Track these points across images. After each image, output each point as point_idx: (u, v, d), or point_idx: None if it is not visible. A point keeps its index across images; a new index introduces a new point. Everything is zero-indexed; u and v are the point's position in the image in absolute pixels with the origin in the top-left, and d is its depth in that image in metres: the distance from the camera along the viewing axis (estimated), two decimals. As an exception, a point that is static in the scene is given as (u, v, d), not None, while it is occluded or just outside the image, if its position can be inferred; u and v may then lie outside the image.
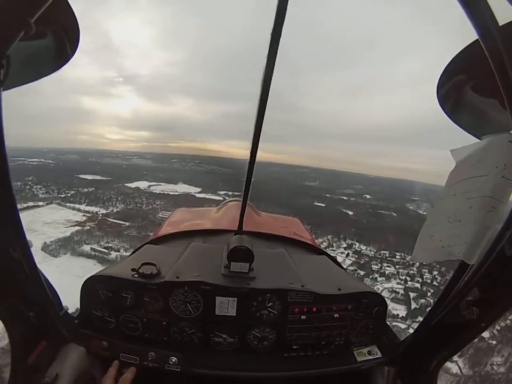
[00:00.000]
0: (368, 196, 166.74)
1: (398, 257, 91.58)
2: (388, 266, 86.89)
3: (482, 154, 1.29)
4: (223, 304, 2.13)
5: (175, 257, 2.53)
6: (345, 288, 2.23)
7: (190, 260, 2.49)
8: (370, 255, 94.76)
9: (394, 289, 72.67)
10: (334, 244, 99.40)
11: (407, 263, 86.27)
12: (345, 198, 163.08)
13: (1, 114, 1.08)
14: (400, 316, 60.63)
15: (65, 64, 1.47)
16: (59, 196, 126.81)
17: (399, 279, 79.24)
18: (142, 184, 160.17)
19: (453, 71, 1.42)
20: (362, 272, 79.85)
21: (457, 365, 44.77)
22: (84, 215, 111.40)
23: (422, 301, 66.43)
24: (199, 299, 2.12)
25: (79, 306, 2.24)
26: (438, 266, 73.20)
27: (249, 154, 1.84)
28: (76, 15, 1.28)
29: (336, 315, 2.19)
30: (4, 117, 1.09)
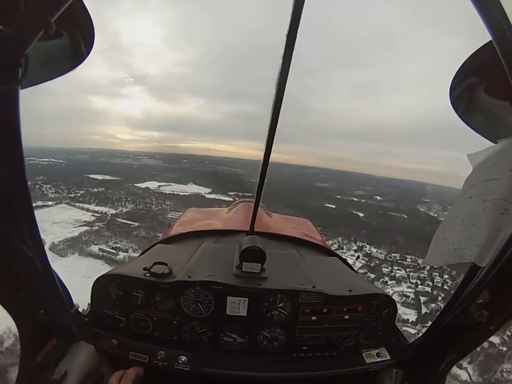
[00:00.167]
0: (378, 197, 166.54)
1: (408, 260, 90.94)
2: (398, 269, 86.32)
3: (497, 157, 1.29)
4: (234, 304, 2.13)
5: (186, 257, 2.51)
6: (356, 290, 2.22)
7: (202, 260, 2.47)
8: (380, 257, 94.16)
9: (404, 293, 71.78)
10: (344, 246, 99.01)
11: (417, 266, 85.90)
12: (355, 199, 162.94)
13: (19, 113, 1.12)
14: (410, 320, 59.75)
15: (80, 63, 1.48)
16: (68, 195, 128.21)
17: (410, 282, 78.53)
18: (152, 185, 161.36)
19: (466, 73, 1.41)
20: (372, 275, 79.09)
21: (467, 371, 44.22)
22: (93, 215, 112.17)
23: (433, 305, 65.53)
24: (210, 299, 2.12)
25: (88, 305, 2.24)
26: (448, 269, 72.69)
27: (263, 155, 1.84)
28: (91, 15, 1.31)
29: (346, 316, 2.18)
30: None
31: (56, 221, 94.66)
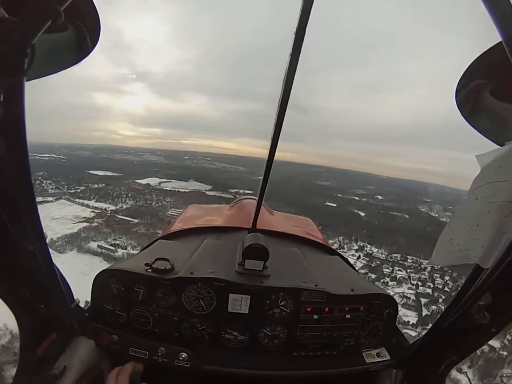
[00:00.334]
0: (380, 197, 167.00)
1: (409, 260, 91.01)
2: (399, 270, 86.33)
3: (505, 159, 1.30)
4: (236, 301, 2.12)
5: (188, 253, 2.50)
6: (358, 289, 2.21)
7: (204, 256, 2.46)
8: (381, 258, 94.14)
9: (405, 294, 71.73)
10: (345, 246, 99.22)
11: (418, 267, 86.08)
12: (357, 198, 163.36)
13: (24, 104, 1.12)
14: (411, 322, 59.50)
15: (85, 57, 1.48)
16: (69, 191, 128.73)
17: (411, 284, 78.41)
18: (153, 181, 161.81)
19: (473, 74, 1.40)
20: (373, 276, 79.12)
21: (467, 376, 44.03)
22: (93, 211, 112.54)
23: (434, 307, 65.37)
24: (212, 295, 2.11)
25: (87, 302, 2.23)
26: (449, 271, 72.11)
27: (267, 152, 1.89)
28: (98, 9, 1.31)
29: (347, 316, 2.18)
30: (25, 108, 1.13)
31: (55, 217, 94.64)
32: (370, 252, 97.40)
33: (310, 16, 1.15)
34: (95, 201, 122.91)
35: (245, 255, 2.20)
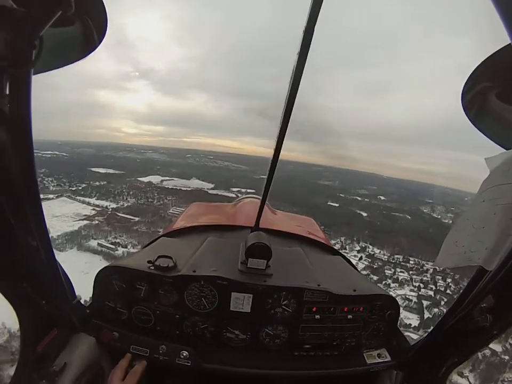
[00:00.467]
0: (382, 197, 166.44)
1: (411, 262, 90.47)
2: (401, 271, 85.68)
3: None
4: (239, 300, 2.13)
5: (191, 251, 2.52)
6: (360, 290, 2.22)
7: (207, 255, 2.46)
8: (383, 259, 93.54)
9: (407, 296, 71.27)
10: (347, 247, 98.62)
11: (420, 269, 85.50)
12: (359, 198, 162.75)
13: (31, 96, 1.10)
14: (412, 325, 58.97)
15: (92, 51, 1.48)
16: (70, 188, 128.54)
17: (413, 285, 77.89)
18: (155, 179, 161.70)
19: (480, 77, 1.39)
20: (375, 277, 78.50)
21: (468, 380, 43.84)
22: (93, 209, 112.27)
23: (435, 310, 64.83)
24: (214, 294, 2.12)
25: (86, 301, 2.24)
26: (452, 273, 72.70)
27: (272, 151, 1.90)
28: (105, 4, 1.31)
29: (349, 316, 2.19)
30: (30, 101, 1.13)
31: (56, 214, 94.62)
32: (372, 252, 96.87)
33: (321, 15, 1.14)
34: (96, 199, 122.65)
35: (248, 253, 2.18)
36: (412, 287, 76.63)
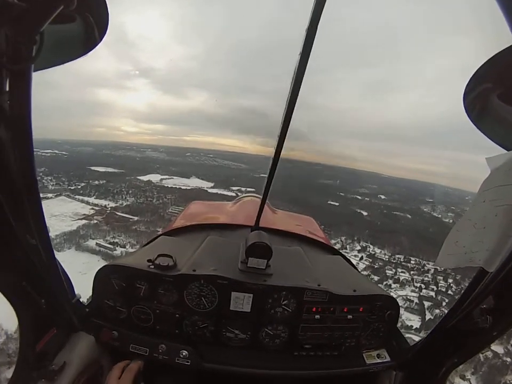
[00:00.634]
0: (382, 196, 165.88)
1: (412, 262, 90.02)
2: (402, 272, 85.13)
3: None
4: (239, 299, 2.14)
5: (191, 250, 2.54)
6: (360, 290, 2.24)
7: (207, 254, 2.48)
8: (384, 259, 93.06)
9: (408, 297, 70.86)
10: (348, 246, 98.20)
11: (421, 269, 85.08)
12: (359, 197, 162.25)
13: (31, 94, 1.10)
14: (414, 327, 58.39)
15: (92, 49, 1.47)
16: (69, 187, 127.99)
17: (414, 286, 77.46)
18: (154, 178, 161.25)
19: (482, 78, 1.38)
20: (376, 278, 78.10)
21: (470, 382, 43.77)
22: (92, 208, 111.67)
23: (437, 311, 64.39)
24: (214, 293, 2.13)
25: (88, 299, 2.27)
26: (453, 273, 72.33)
27: (273, 150, 1.91)
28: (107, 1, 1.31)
29: (349, 316, 2.20)
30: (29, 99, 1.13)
31: (54, 214, 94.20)
32: (373, 252, 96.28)
33: (324, 14, 1.14)
34: (95, 198, 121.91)
35: (248, 253, 2.19)
36: (413, 288, 76.13)
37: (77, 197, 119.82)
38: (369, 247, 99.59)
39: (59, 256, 1.68)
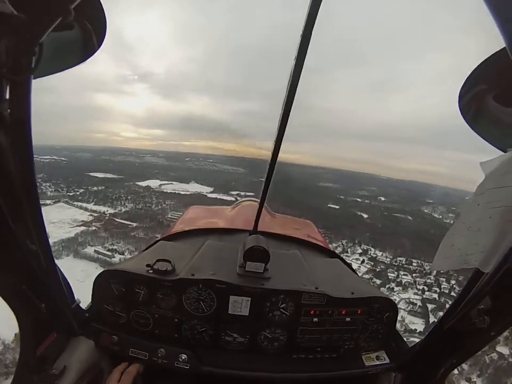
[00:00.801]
0: (382, 198, 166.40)
1: (414, 264, 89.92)
2: (404, 274, 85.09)
3: (508, 166, 1.31)
4: (237, 303, 2.15)
5: (190, 254, 2.54)
6: (358, 292, 2.24)
7: (205, 258, 2.48)
8: (386, 262, 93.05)
9: (411, 300, 70.44)
10: (349, 250, 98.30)
11: (424, 271, 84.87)
12: (359, 200, 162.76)
13: (31, 102, 1.12)
14: (418, 330, 57.78)
15: (91, 55, 1.50)
16: (68, 194, 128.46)
17: (416, 289, 77.23)
18: (153, 183, 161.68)
19: (476, 79, 1.40)
20: (378, 281, 77.99)
21: None
22: (91, 215, 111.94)
23: (441, 313, 61.59)
24: (213, 297, 2.14)
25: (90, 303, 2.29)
26: (455, 275, 71.62)
27: (270, 154, 1.91)
28: (104, 8, 1.33)
29: (347, 319, 2.21)
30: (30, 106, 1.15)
31: (53, 221, 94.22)
32: (374, 255, 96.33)
33: (321, 16, 1.14)
34: (93, 204, 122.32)
35: (246, 257, 2.20)
36: (416, 290, 76.01)
37: (75, 203, 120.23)
38: (371, 250, 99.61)
39: (57, 263, 1.70)
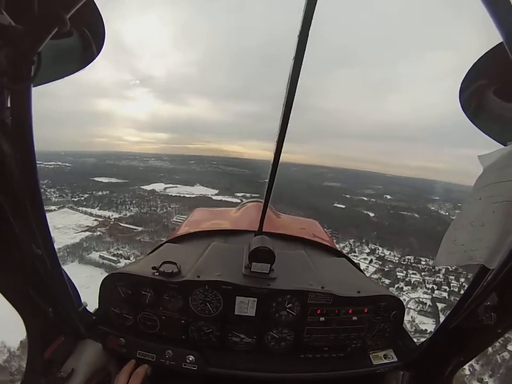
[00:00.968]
0: (388, 196, 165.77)
1: (423, 262, 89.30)
2: (413, 273, 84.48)
3: (509, 159, 1.31)
4: (243, 304, 2.14)
5: (195, 256, 2.52)
6: (364, 291, 2.21)
7: (211, 260, 2.46)
8: (394, 261, 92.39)
9: (421, 299, 69.44)
10: (356, 249, 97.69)
11: (432, 270, 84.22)
12: (365, 198, 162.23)
13: (31, 111, 1.13)
14: (428, 331, 56.50)
15: (91, 62, 1.51)
16: (72, 199, 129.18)
17: (426, 288, 76.52)
18: (158, 187, 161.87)
19: (476, 74, 1.41)
20: (387, 281, 77.22)
21: None
22: (96, 220, 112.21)
23: None
24: (219, 298, 2.13)
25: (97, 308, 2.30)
26: (464, 272, 71.13)
27: (272, 154, 1.91)
28: (102, 14, 1.35)
29: (354, 318, 2.18)
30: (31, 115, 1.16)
31: (57, 226, 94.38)
32: (382, 254, 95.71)
33: (314, 15, 1.17)
34: (98, 209, 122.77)
35: (252, 258, 2.18)
36: (425, 289, 75.35)
37: (80, 208, 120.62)
38: (378, 249, 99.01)
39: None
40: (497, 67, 1.26)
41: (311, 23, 1.16)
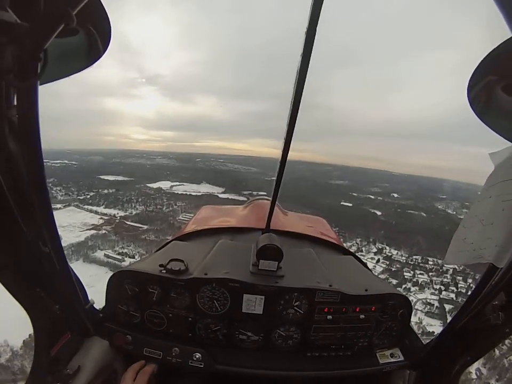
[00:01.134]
0: (395, 195, 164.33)
1: (430, 262, 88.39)
2: (420, 273, 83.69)
3: None
4: (250, 301, 2.15)
5: (202, 254, 2.55)
6: (372, 289, 2.22)
7: (218, 257, 2.49)
8: (401, 261, 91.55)
9: (428, 300, 68.92)
10: (364, 249, 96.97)
11: (440, 270, 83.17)
12: (372, 197, 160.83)
13: (38, 108, 1.13)
14: (435, 333, 54.28)
15: (97, 60, 1.52)
16: (78, 197, 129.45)
17: (433, 288, 75.73)
18: (164, 184, 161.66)
19: (485, 70, 1.37)
20: (394, 281, 76.59)
21: None
22: (101, 218, 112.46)
23: None
24: (226, 296, 2.15)
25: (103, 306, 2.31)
26: (472, 273, 70.02)
27: (280, 152, 1.93)
28: (108, 12, 1.34)
29: (362, 316, 2.19)
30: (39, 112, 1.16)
31: (63, 225, 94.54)
32: (389, 254, 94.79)
33: (321, 14, 1.18)
34: (104, 207, 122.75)
35: (259, 255, 2.20)
36: (433, 290, 74.53)
37: (85, 206, 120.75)
38: (386, 249, 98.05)
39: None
40: (507, 63, 1.24)
41: (318, 21, 1.16)
